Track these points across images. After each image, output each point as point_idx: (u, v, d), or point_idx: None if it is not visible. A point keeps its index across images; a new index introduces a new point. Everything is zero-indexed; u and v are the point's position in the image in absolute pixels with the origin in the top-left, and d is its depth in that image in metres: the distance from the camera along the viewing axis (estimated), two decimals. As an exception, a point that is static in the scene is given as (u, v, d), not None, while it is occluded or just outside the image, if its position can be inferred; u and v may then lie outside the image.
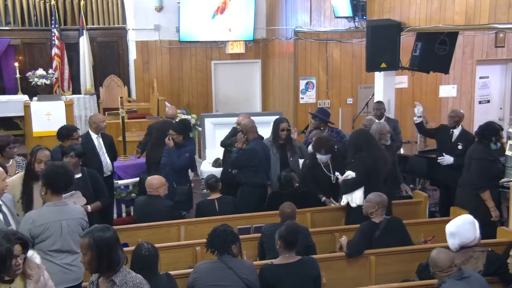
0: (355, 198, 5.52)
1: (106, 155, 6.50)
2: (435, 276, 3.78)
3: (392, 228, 4.80)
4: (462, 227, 4.14)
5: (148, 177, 5.71)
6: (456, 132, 6.82)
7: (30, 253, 3.13)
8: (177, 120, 7.62)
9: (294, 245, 4.02)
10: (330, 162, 6.10)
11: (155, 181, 5.60)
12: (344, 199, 5.66)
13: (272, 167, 6.47)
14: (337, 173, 5.81)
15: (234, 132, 6.99)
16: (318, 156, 6.09)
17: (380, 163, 5.54)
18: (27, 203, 4.56)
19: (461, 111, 7.04)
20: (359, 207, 5.42)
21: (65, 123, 7.80)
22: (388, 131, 6.26)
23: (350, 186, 5.54)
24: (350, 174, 5.54)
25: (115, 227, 3.38)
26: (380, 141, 6.10)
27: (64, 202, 3.95)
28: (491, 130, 5.73)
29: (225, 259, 3.84)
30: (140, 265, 3.63)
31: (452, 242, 4.17)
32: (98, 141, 6.50)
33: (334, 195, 6.06)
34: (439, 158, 6.80)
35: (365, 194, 5.43)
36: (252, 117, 6.80)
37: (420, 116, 7.14)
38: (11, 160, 5.32)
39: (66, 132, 5.99)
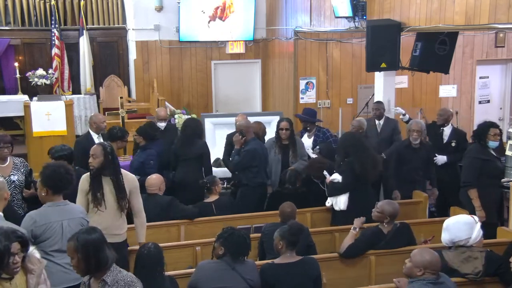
0: (339, 202, 5.56)
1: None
2: (410, 270, 3.57)
3: (399, 234, 4.72)
4: (455, 224, 4.15)
5: (148, 177, 5.69)
6: (447, 130, 6.91)
7: (30, 248, 3.14)
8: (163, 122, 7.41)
9: (296, 244, 4.03)
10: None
11: (155, 181, 5.62)
12: (329, 201, 5.70)
13: (273, 167, 6.47)
14: (325, 172, 5.81)
15: (230, 142, 6.98)
16: None
17: (368, 167, 5.50)
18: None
19: (451, 110, 7.12)
20: (343, 211, 5.50)
21: (65, 123, 7.83)
22: (415, 130, 6.31)
23: (338, 190, 5.58)
24: (337, 177, 5.58)
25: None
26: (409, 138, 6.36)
27: (65, 202, 3.94)
28: (478, 131, 5.76)
29: (229, 260, 3.84)
30: (141, 264, 3.68)
31: (443, 237, 4.20)
32: (99, 141, 6.48)
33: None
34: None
35: (352, 198, 5.51)
36: (252, 117, 6.79)
37: (405, 114, 7.38)
38: (8, 160, 5.29)
39: (121, 134, 6.21)
